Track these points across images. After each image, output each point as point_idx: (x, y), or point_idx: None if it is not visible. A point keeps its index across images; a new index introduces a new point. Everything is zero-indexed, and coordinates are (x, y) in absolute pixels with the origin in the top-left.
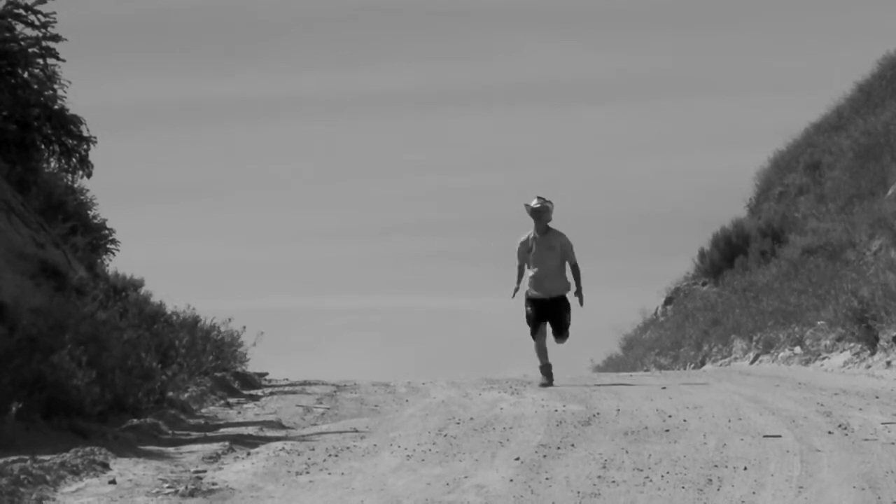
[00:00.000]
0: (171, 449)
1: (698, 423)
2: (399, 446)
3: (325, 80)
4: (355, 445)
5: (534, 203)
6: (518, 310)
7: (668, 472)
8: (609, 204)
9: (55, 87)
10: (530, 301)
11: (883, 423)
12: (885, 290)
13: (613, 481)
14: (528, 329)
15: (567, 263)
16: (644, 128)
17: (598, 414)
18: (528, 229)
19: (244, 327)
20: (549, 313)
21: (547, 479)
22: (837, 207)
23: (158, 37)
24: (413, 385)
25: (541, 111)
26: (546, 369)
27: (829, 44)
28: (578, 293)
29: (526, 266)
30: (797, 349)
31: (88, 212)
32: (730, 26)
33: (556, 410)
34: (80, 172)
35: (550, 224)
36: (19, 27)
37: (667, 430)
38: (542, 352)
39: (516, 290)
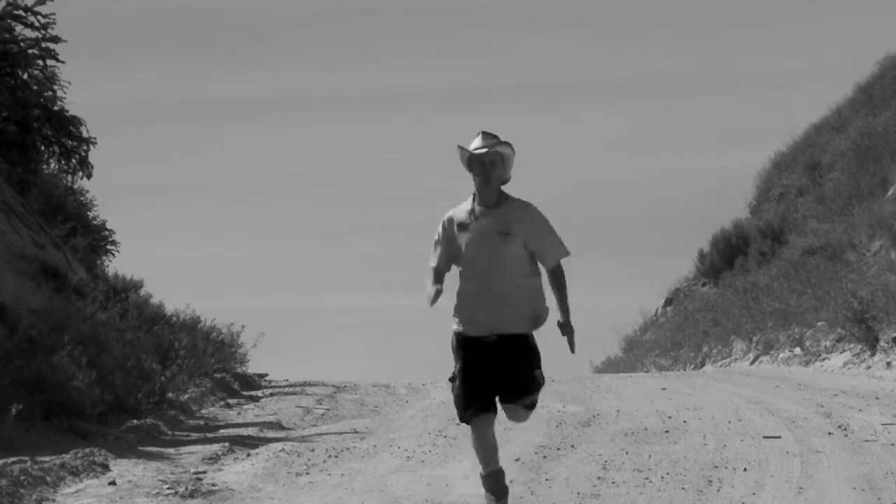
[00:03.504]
0: (170, 450)
1: (698, 423)
2: (399, 447)
3: (325, 80)
4: (355, 446)
5: (475, 144)
6: None
7: (667, 473)
8: (609, 204)
9: (55, 88)
10: (459, 344)
11: (883, 424)
12: (885, 290)
13: (613, 482)
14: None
15: (539, 267)
16: (644, 128)
17: (598, 415)
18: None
19: (243, 327)
20: (494, 368)
21: (547, 479)
22: (837, 208)
23: (159, 37)
24: (413, 386)
25: (540, 111)
26: (494, 480)
27: (829, 44)
28: (565, 326)
29: (451, 270)
30: (797, 350)
31: (88, 213)
32: (730, 26)
33: (556, 411)
34: (80, 173)
35: (507, 189)
36: (19, 28)
37: (667, 431)
38: (484, 447)
39: (436, 294)
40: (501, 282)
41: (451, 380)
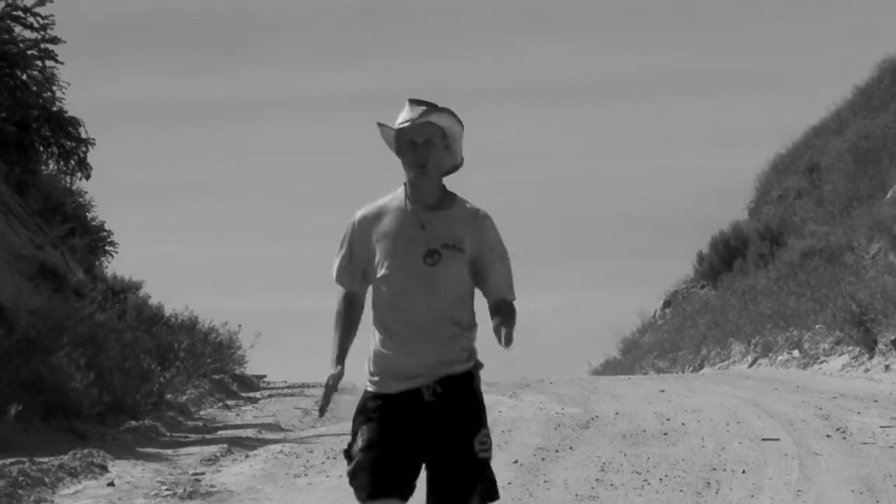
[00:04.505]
0: (169, 451)
1: (697, 426)
2: None
3: (325, 80)
4: None
5: (402, 117)
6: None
7: (666, 475)
8: (608, 204)
9: (54, 88)
10: (372, 407)
11: (881, 427)
12: (884, 293)
13: (612, 484)
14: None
15: (476, 296)
16: (644, 128)
17: (596, 417)
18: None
19: (240, 326)
20: (424, 442)
21: (545, 481)
22: (836, 211)
23: (158, 37)
24: None
25: (539, 111)
26: None
27: (830, 44)
28: (504, 329)
29: (371, 297)
30: (795, 352)
31: (87, 213)
32: (730, 26)
33: (554, 413)
34: (79, 174)
35: (448, 184)
36: (18, 29)
37: (665, 434)
38: None
39: (334, 384)
40: (442, 317)
41: (347, 454)
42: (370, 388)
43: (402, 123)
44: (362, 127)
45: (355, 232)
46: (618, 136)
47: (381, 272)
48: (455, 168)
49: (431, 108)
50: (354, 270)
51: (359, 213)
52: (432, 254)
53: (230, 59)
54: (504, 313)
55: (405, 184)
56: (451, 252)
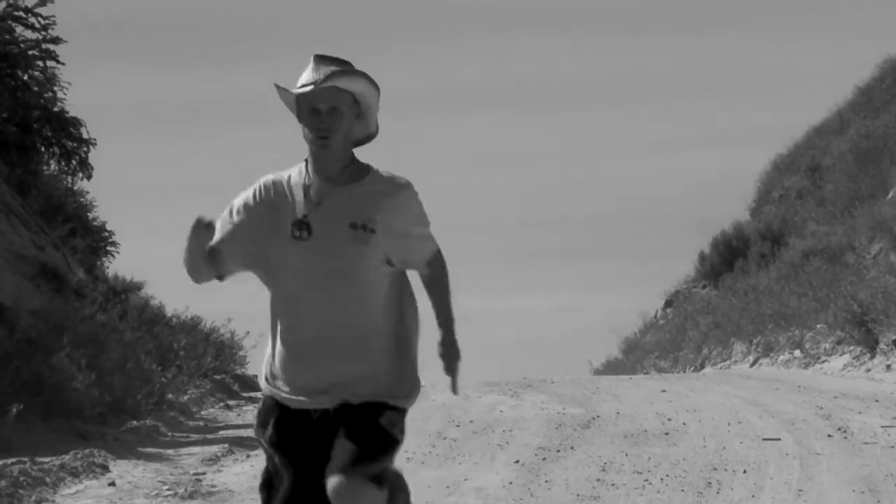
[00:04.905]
0: (170, 451)
1: (698, 426)
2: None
3: None
4: None
5: (304, 78)
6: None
7: (667, 475)
8: (609, 204)
9: (55, 89)
10: (276, 428)
11: (882, 427)
12: (885, 293)
13: (613, 484)
14: None
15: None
16: (644, 128)
17: (597, 417)
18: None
19: (247, 333)
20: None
21: (546, 481)
22: (837, 211)
23: (158, 37)
24: None
25: (539, 111)
26: None
27: (830, 44)
28: (447, 346)
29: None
30: (797, 352)
31: (88, 214)
32: (730, 26)
33: (555, 413)
34: (80, 174)
35: (358, 155)
36: (19, 29)
37: (666, 433)
38: None
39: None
40: (352, 314)
41: (265, 487)
42: (269, 392)
43: (305, 86)
44: None
45: (256, 202)
46: (618, 136)
47: (277, 262)
48: (369, 138)
49: (341, 70)
50: (238, 251)
51: (264, 181)
52: (330, 239)
53: (230, 59)
54: (438, 300)
55: (306, 159)
56: (361, 234)
